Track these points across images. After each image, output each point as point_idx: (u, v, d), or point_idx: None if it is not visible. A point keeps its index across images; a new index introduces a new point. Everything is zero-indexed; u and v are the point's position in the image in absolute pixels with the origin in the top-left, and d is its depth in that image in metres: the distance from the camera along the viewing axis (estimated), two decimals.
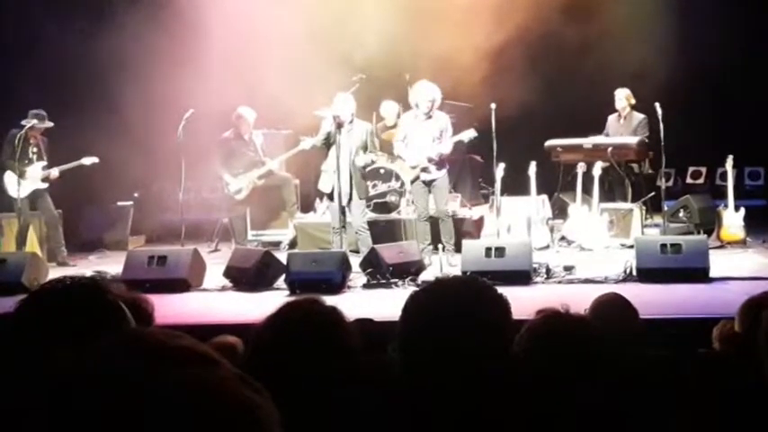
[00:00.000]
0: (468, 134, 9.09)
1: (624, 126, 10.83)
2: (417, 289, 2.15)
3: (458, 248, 8.94)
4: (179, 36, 10.46)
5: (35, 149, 9.99)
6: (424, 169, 9.07)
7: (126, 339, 0.89)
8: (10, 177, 9.85)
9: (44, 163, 10.00)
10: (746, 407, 2.74)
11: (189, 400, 0.81)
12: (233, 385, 0.84)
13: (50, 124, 9.93)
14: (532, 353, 2.14)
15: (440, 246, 9.13)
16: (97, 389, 0.80)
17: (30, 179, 9.95)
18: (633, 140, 10.49)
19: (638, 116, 10.71)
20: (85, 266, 9.93)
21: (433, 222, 9.28)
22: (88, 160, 10.08)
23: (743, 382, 2.81)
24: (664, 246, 8.10)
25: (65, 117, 10.37)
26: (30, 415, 0.80)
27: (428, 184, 9.12)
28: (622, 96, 10.84)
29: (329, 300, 2.47)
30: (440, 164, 9.08)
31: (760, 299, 3.20)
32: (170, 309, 6.96)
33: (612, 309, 3.97)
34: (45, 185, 10.01)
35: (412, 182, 9.24)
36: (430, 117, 9.04)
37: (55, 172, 10.01)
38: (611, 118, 11.00)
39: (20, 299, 1.81)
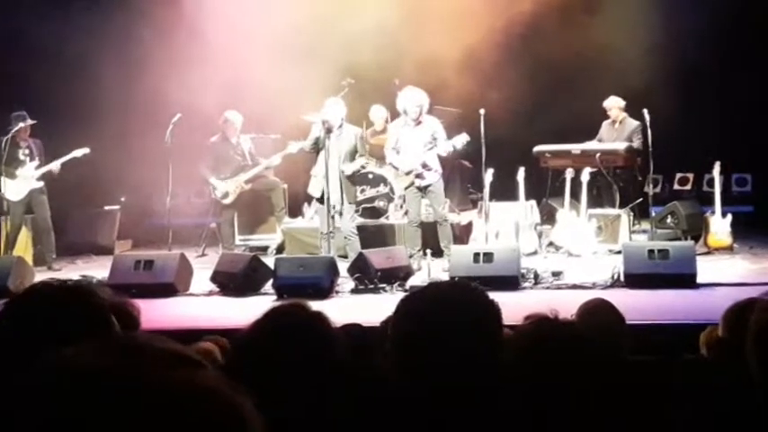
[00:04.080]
0: (461, 139, 9.08)
1: (618, 132, 10.84)
2: (411, 292, 2.15)
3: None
4: (167, 40, 10.44)
5: (26, 151, 9.96)
6: (419, 175, 9.07)
7: (113, 341, 0.89)
8: (3, 181, 9.82)
9: (36, 163, 9.96)
10: (733, 413, 2.74)
11: (174, 400, 0.80)
12: (218, 387, 0.84)
13: (32, 122, 9.88)
14: (521, 358, 2.14)
15: (428, 251, 9.13)
16: (84, 389, 0.79)
17: (23, 181, 9.91)
18: (621, 147, 10.52)
19: (633, 123, 10.70)
20: (72, 270, 9.88)
21: (429, 227, 9.29)
22: (80, 152, 10.05)
23: (730, 387, 2.82)
24: (651, 252, 8.12)
25: (51, 120, 10.32)
26: (16, 415, 0.79)
27: (423, 189, 9.13)
28: (613, 106, 10.84)
29: (317, 305, 2.46)
30: (433, 169, 9.08)
31: (744, 305, 3.20)
32: (156, 313, 6.93)
33: (598, 314, 3.97)
34: (41, 184, 9.96)
35: (406, 188, 9.22)
36: (419, 123, 9.05)
37: (57, 165, 9.96)
38: (605, 124, 11.01)
39: (4, 301, 1.79)
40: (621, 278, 7.99)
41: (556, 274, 8.41)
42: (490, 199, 9.59)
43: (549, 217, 10.67)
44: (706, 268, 8.33)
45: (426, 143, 9.04)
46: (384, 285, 8.13)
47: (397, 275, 8.30)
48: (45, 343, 1.44)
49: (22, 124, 9.79)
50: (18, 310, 1.80)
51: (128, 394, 0.79)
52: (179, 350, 0.88)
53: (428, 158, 9.02)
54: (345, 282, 8.37)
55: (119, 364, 0.82)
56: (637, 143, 10.56)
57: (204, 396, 0.82)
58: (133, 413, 0.78)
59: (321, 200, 9.01)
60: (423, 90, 9.05)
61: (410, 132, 9.09)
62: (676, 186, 13.47)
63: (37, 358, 0.85)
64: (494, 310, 1.99)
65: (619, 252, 8.75)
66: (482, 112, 9.15)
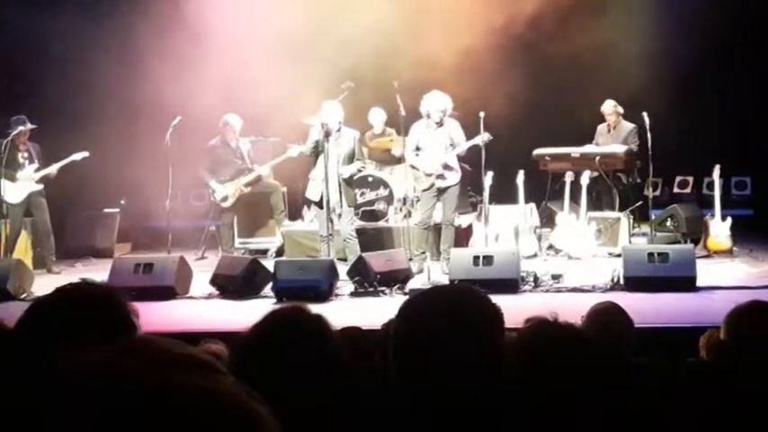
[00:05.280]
0: (483, 137, 9.10)
1: (614, 136, 10.85)
2: (414, 295, 2.16)
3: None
4: (166, 43, 10.44)
5: (25, 154, 9.97)
6: (440, 176, 9.08)
7: (132, 344, 0.89)
8: (3, 184, 9.84)
9: (36, 166, 9.97)
10: (733, 415, 2.74)
11: (192, 405, 0.80)
12: (237, 394, 0.84)
13: (32, 126, 9.89)
14: (522, 361, 2.14)
15: (428, 254, 9.13)
16: (101, 391, 0.79)
17: (22, 184, 9.91)
18: (621, 150, 10.52)
19: (628, 126, 10.73)
20: (71, 274, 9.87)
21: (434, 231, 9.29)
22: (79, 155, 10.05)
23: (730, 390, 2.81)
24: (651, 255, 8.11)
25: (51, 122, 10.32)
26: (34, 414, 0.78)
27: (442, 191, 9.13)
28: (611, 110, 10.84)
29: (316, 308, 2.45)
30: (454, 170, 9.10)
31: (747, 308, 3.20)
32: (156, 316, 6.93)
33: (608, 317, 3.99)
34: (40, 187, 9.98)
35: (424, 190, 9.23)
36: (441, 125, 9.07)
37: (53, 170, 9.96)
38: (601, 128, 11.02)
39: (35, 297, 1.81)
40: (621, 281, 7.98)
41: (555, 278, 8.40)
42: (490, 202, 9.59)
43: (548, 220, 10.67)
44: (705, 271, 8.33)
45: (447, 146, 9.06)
46: (383, 288, 8.12)
47: (396, 278, 8.29)
48: (68, 344, 1.46)
49: (21, 128, 9.80)
50: (44, 310, 1.81)
51: (146, 398, 0.79)
52: (199, 356, 0.88)
53: (449, 159, 9.05)
54: (345, 285, 8.36)
55: (137, 367, 0.82)
56: (633, 146, 10.56)
57: (223, 402, 0.82)
58: (152, 417, 0.78)
59: (320, 204, 9.01)
60: (446, 94, 9.06)
61: (432, 135, 9.11)
62: (676, 189, 13.48)
63: (58, 356, 0.85)
64: (495, 313, 1.99)
65: (618, 255, 8.75)
66: (482, 115, 9.16)
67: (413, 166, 9.35)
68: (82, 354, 0.85)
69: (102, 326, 1.71)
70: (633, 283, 7.90)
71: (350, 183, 9.25)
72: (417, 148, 9.20)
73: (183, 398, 0.80)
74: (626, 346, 3.83)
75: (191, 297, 8.44)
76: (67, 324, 1.71)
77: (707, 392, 2.88)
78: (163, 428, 0.78)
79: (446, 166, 9.07)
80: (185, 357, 0.86)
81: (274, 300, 7.91)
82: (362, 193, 10.46)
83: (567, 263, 9.50)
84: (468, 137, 9.20)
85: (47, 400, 0.79)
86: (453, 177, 9.14)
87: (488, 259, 8.26)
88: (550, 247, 10.12)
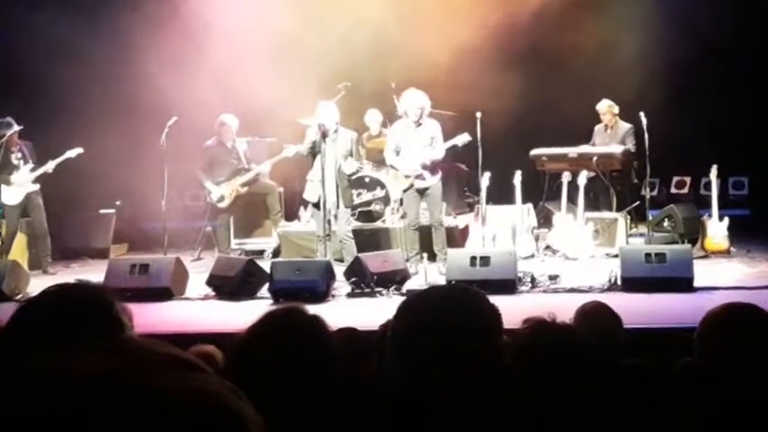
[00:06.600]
0: (462, 138, 9.10)
1: (611, 136, 10.85)
2: (411, 295, 2.15)
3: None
4: (163, 43, 10.43)
5: (18, 155, 9.94)
6: (418, 176, 9.06)
7: (115, 344, 0.88)
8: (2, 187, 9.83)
9: (31, 166, 9.94)
10: (729, 416, 2.73)
11: (177, 404, 0.79)
12: (218, 392, 0.83)
13: (19, 127, 9.83)
14: (519, 361, 2.13)
15: (425, 254, 9.12)
16: (85, 392, 0.78)
17: (19, 185, 9.89)
18: (618, 150, 10.52)
19: (625, 126, 10.73)
20: (67, 275, 9.84)
21: (426, 231, 9.27)
22: (73, 152, 10.01)
23: (726, 391, 2.80)
24: (648, 255, 8.11)
25: (47, 123, 10.30)
26: (17, 414, 0.77)
27: (422, 192, 9.11)
28: (605, 109, 10.83)
29: (313, 309, 2.44)
30: (433, 171, 9.08)
31: (719, 312, 3.14)
32: (152, 317, 6.92)
33: (596, 317, 3.97)
34: (37, 187, 9.95)
35: (405, 190, 9.21)
36: (420, 125, 9.04)
37: (49, 168, 9.92)
38: (598, 128, 11.02)
39: (25, 299, 1.81)
40: (618, 282, 7.98)
41: (553, 278, 8.40)
42: (487, 202, 9.58)
43: (545, 220, 10.67)
44: (703, 272, 8.32)
45: (426, 145, 9.04)
46: (380, 289, 8.11)
47: (393, 279, 8.28)
48: (57, 345, 1.44)
49: (10, 131, 9.74)
50: (31, 311, 1.79)
51: (128, 398, 0.78)
52: (180, 354, 0.87)
53: (428, 160, 9.02)
54: (342, 285, 8.35)
55: (120, 367, 0.81)
56: (630, 146, 10.56)
57: (206, 400, 0.81)
58: (134, 416, 0.77)
59: (317, 205, 8.99)
60: (423, 92, 9.04)
61: (411, 134, 9.08)
62: (673, 189, 13.49)
63: (41, 357, 0.83)
64: (493, 313, 1.99)
65: (616, 256, 8.74)
66: (479, 115, 9.15)
67: (392, 167, 9.34)
68: (65, 354, 0.84)
69: (91, 326, 1.69)
70: (630, 283, 7.89)
71: (348, 183, 9.24)
72: (397, 148, 9.17)
73: (168, 397, 0.79)
74: (615, 346, 3.81)
75: (187, 298, 8.42)
76: (55, 325, 1.70)
77: (703, 393, 2.87)
78: (147, 428, 0.77)
79: (424, 167, 9.04)
80: (169, 357, 0.86)
81: (271, 301, 7.90)
82: (359, 194, 10.44)
83: (564, 263, 9.49)
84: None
85: (28, 400, 0.78)
86: (433, 178, 9.10)
87: (485, 260, 8.25)
88: (548, 247, 10.11)
